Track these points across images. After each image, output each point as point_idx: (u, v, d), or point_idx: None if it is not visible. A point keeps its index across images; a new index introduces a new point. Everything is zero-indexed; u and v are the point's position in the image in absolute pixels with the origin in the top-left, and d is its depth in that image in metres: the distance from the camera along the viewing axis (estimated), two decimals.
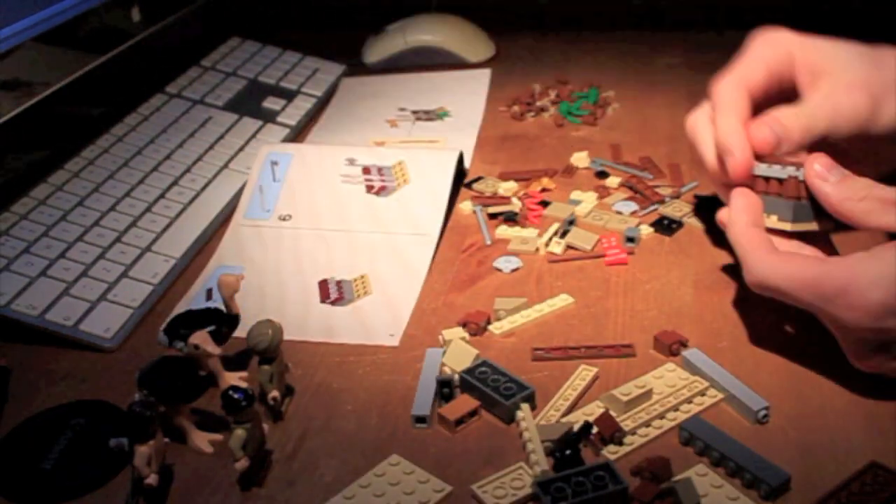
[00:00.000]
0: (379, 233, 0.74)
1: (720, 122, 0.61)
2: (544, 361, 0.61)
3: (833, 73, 0.61)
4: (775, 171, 0.59)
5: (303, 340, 0.64)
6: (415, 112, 0.97)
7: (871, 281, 0.51)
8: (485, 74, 1.05)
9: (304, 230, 0.76)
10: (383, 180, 0.78)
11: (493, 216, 0.77)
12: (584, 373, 0.59)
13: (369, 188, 0.78)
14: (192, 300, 0.69)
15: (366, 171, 0.79)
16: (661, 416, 0.55)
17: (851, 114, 0.60)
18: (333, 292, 0.69)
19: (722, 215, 0.62)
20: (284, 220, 0.77)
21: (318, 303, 0.68)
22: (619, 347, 0.61)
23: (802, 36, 0.63)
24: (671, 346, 0.60)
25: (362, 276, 0.70)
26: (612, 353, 0.61)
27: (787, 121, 0.60)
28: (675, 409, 0.55)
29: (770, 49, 0.63)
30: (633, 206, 0.77)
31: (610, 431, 0.53)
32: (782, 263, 0.55)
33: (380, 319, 0.66)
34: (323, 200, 0.78)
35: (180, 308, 0.68)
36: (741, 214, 0.58)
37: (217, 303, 0.62)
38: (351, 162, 0.80)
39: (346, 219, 0.76)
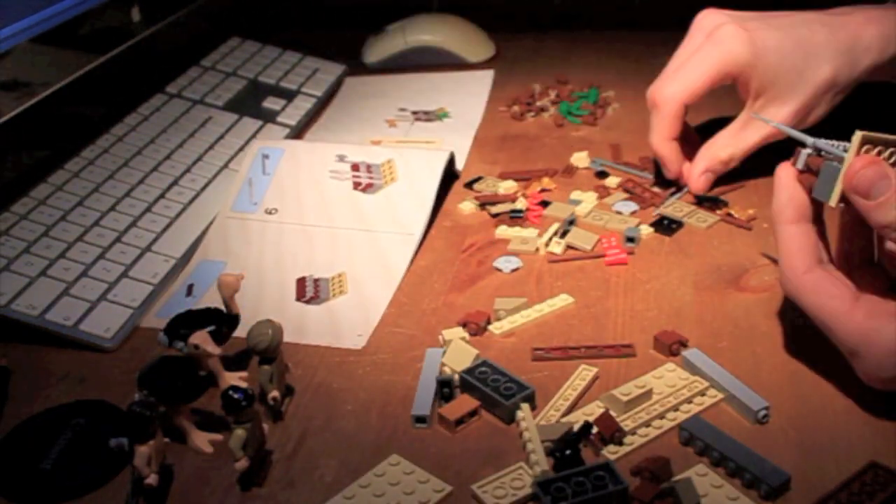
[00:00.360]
0: (361, 230, 0.74)
1: (656, 136, 0.76)
2: (544, 361, 0.61)
3: (771, 94, 0.72)
4: (827, 146, 0.55)
5: None
6: (414, 113, 0.97)
7: (887, 352, 0.51)
8: (488, 76, 1.05)
9: (289, 225, 0.76)
10: (371, 177, 0.78)
11: (494, 216, 0.77)
12: (584, 373, 0.59)
13: (356, 185, 0.78)
14: (174, 295, 0.69)
15: (354, 167, 0.79)
16: (661, 416, 0.55)
17: (787, 124, 0.69)
18: (310, 291, 0.69)
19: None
20: (271, 213, 0.77)
21: (294, 301, 0.68)
22: (619, 347, 0.61)
23: (749, 37, 0.71)
24: (671, 346, 0.60)
25: (340, 275, 0.70)
26: (612, 354, 0.61)
27: (724, 152, 0.75)
28: (675, 409, 0.55)
29: (717, 55, 0.72)
30: (633, 207, 0.76)
31: (610, 431, 0.53)
32: (813, 283, 0.54)
33: (349, 321, 0.66)
34: (309, 195, 0.78)
35: (163, 303, 0.68)
36: (785, 210, 0.56)
37: (214, 302, 0.62)
38: (341, 158, 0.80)
39: (331, 215, 0.76)
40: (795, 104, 0.72)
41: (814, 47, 0.71)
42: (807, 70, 0.71)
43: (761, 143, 0.75)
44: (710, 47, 0.72)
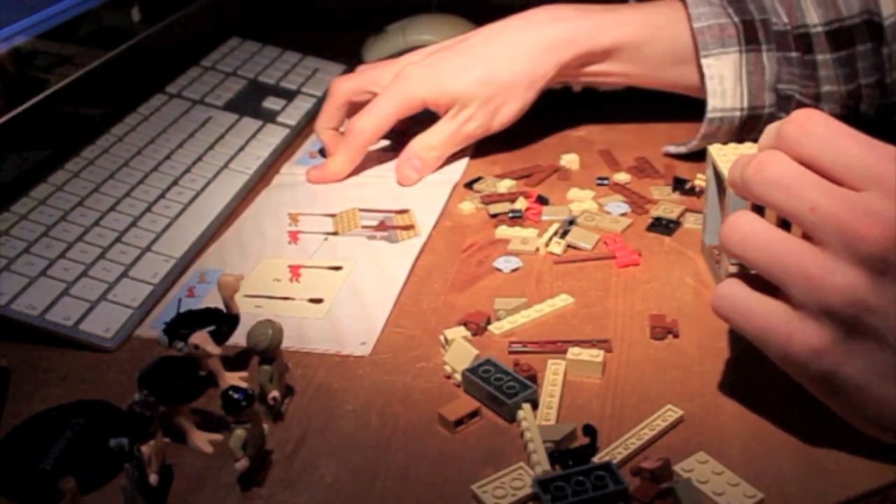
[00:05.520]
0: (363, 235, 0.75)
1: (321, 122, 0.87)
2: (519, 354, 0.61)
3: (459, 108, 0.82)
4: None
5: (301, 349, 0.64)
6: None
7: None
8: None
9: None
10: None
11: (494, 215, 0.77)
12: (554, 367, 0.59)
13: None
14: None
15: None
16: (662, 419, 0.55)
17: (473, 134, 0.84)
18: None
19: None
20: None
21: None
22: (596, 343, 0.61)
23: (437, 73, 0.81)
24: (654, 329, 0.61)
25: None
26: (587, 348, 0.60)
27: (426, 153, 0.82)
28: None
29: (403, 97, 0.81)
30: (626, 208, 0.76)
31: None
32: None
33: (351, 328, 0.65)
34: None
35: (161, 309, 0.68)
36: None
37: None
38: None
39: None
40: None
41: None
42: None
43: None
44: (396, 83, 0.82)
